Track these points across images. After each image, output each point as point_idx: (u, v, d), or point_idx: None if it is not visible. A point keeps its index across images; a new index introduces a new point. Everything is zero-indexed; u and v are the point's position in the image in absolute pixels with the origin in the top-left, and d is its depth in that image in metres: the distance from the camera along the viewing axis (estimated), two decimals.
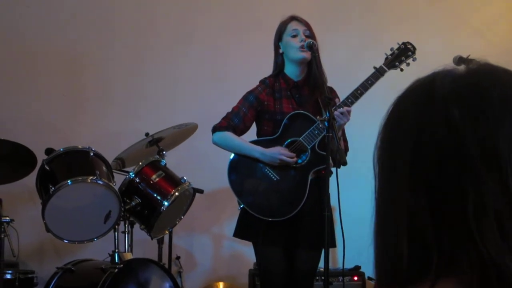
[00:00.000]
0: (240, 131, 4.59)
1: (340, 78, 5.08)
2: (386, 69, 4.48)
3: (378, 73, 4.44)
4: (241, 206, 4.50)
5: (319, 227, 4.36)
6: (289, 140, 4.47)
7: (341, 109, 4.30)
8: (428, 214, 1.06)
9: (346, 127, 4.47)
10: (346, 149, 4.49)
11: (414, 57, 4.55)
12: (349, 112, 4.37)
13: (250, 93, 4.61)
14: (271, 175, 4.45)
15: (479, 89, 1.09)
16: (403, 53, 4.54)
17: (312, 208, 4.42)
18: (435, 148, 1.07)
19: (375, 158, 1.18)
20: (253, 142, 4.56)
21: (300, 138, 4.44)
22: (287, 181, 4.45)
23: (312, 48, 4.40)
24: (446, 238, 1.05)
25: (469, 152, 1.04)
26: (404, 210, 1.09)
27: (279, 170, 4.45)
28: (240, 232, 4.60)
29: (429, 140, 1.08)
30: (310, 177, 4.43)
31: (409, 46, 4.57)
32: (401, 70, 4.51)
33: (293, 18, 4.60)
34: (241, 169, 4.54)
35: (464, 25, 6.80)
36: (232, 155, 4.57)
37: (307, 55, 4.47)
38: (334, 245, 4.51)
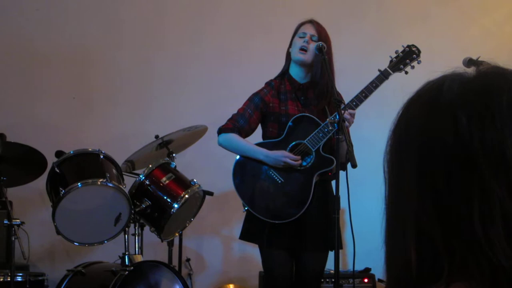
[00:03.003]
0: (245, 133, 4.59)
1: (348, 79, 5.07)
2: (391, 72, 4.49)
3: (383, 76, 4.46)
4: (246, 208, 4.50)
5: (325, 229, 4.36)
6: (293, 143, 4.47)
7: (345, 114, 4.30)
8: (435, 220, 1.06)
9: (355, 128, 4.45)
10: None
11: (419, 59, 4.56)
12: (353, 115, 4.38)
13: (255, 94, 4.62)
14: (276, 178, 4.45)
15: (487, 94, 1.08)
16: (408, 56, 4.56)
17: (318, 210, 4.42)
18: (442, 154, 1.06)
19: (384, 163, 1.17)
20: (258, 144, 4.55)
21: (305, 141, 4.44)
22: (291, 184, 4.45)
23: (322, 51, 4.38)
24: (456, 244, 1.04)
25: (476, 158, 1.03)
26: (411, 216, 1.09)
27: (284, 172, 4.45)
28: (246, 234, 4.61)
29: (436, 146, 1.07)
30: (314, 180, 4.43)
31: (413, 49, 4.59)
32: (406, 73, 4.54)
33: (308, 22, 4.61)
34: (246, 171, 4.54)
35: (475, 25, 6.78)
36: (237, 157, 4.57)
37: (304, 57, 4.48)
38: (340, 247, 4.49)
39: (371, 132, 5.73)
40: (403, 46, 4.59)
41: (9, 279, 4.56)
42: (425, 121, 1.10)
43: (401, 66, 4.53)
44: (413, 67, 4.55)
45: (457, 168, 1.04)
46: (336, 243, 4.07)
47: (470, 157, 1.03)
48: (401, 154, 1.14)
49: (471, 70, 1.14)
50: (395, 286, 1.13)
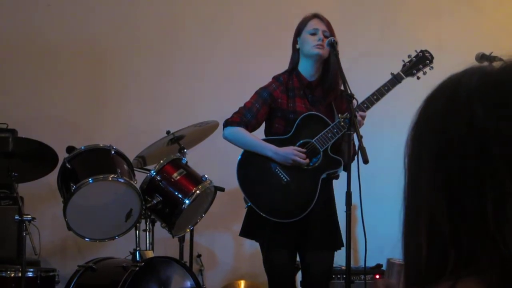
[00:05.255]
0: (252, 127, 4.55)
1: (357, 76, 5.05)
2: (404, 76, 4.49)
3: (395, 80, 4.46)
4: (248, 205, 4.47)
5: (330, 227, 4.35)
6: (301, 141, 4.44)
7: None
8: (446, 213, 1.05)
9: (368, 126, 4.42)
10: (354, 153, 4.18)
11: (431, 65, 4.54)
12: (363, 117, 4.35)
13: (264, 89, 4.58)
14: (282, 176, 4.41)
15: (504, 86, 1.07)
16: (420, 61, 4.55)
17: (321, 209, 4.39)
18: (458, 147, 1.05)
19: (404, 155, 1.17)
20: (265, 140, 4.53)
21: (313, 140, 4.41)
22: (297, 183, 4.41)
23: (334, 46, 4.37)
24: (465, 238, 1.04)
25: (491, 152, 1.02)
26: (425, 208, 1.09)
27: (290, 171, 4.41)
28: (246, 231, 4.59)
29: (452, 139, 1.06)
30: (320, 180, 4.40)
31: (427, 54, 4.58)
32: (418, 78, 4.51)
33: (315, 16, 4.58)
34: (251, 166, 4.50)
35: (488, 20, 6.74)
36: (243, 152, 4.53)
37: (322, 52, 4.45)
38: (343, 244, 4.43)
39: (380, 130, 5.71)
40: (416, 51, 4.56)
41: (20, 275, 4.57)
42: (444, 113, 1.10)
43: (414, 71, 4.52)
44: (425, 73, 4.53)
45: (472, 161, 1.04)
46: (347, 240, 4.05)
47: (485, 149, 1.02)
48: (420, 146, 1.13)
49: (496, 64, 1.12)
50: (408, 277, 1.14)
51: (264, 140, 4.52)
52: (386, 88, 4.41)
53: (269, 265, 4.49)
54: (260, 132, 4.65)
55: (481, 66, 1.12)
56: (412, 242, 1.12)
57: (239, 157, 4.53)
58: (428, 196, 1.08)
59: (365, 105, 4.38)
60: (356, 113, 4.27)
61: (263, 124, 4.65)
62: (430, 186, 1.08)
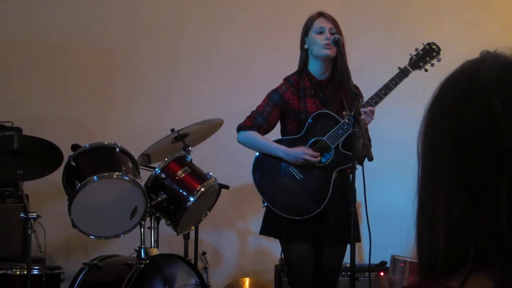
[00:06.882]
0: (264, 130, 4.60)
1: (364, 74, 5.05)
2: (411, 70, 4.48)
3: (403, 74, 4.45)
4: (265, 204, 4.50)
5: (344, 222, 4.35)
6: (313, 140, 4.47)
7: (364, 109, 4.29)
8: (465, 207, 1.04)
9: (373, 124, 4.43)
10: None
11: (438, 57, 4.53)
12: (373, 112, 4.37)
13: (274, 92, 4.61)
14: (295, 174, 4.45)
15: None
16: (427, 54, 4.54)
17: (336, 204, 4.42)
18: (474, 138, 1.04)
19: (418, 144, 1.15)
20: (277, 141, 4.57)
21: (324, 138, 4.43)
22: (311, 180, 4.46)
23: (338, 44, 4.38)
24: (481, 233, 1.03)
25: (508, 146, 1.01)
26: (442, 200, 1.07)
27: (303, 169, 4.46)
28: (266, 229, 4.62)
29: (469, 130, 1.05)
30: (333, 176, 4.43)
31: (433, 46, 4.57)
32: (426, 70, 4.51)
33: (320, 15, 4.58)
34: (266, 168, 4.56)
35: (492, 18, 6.72)
36: (257, 154, 4.59)
37: (331, 52, 4.46)
38: (359, 240, 4.50)
39: (388, 127, 5.71)
40: (423, 44, 4.55)
41: (25, 272, 4.57)
42: (461, 105, 1.08)
43: (421, 64, 4.51)
44: (432, 65, 4.52)
45: (488, 154, 1.02)
46: (351, 236, 4.07)
47: (502, 143, 1.01)
48: (434, 137, 1.12)
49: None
50: (423, 270, 1.13)
51: (276, 141, 4.58)
52: (394, 82, 4.42)
53: (289, 260, 4.54)
54: (276, 133, 4.66)
55: (499, 54, 1.10)
56: (427, 235, 1.11)
57: (254, 160, 4.59)
58: (445, 187, 1.07)
59: (374, 100, 4.40)
60: (365, 108, 4.30)
61: (280, 125, 4.69)
62: (446, 177, 1.07)
